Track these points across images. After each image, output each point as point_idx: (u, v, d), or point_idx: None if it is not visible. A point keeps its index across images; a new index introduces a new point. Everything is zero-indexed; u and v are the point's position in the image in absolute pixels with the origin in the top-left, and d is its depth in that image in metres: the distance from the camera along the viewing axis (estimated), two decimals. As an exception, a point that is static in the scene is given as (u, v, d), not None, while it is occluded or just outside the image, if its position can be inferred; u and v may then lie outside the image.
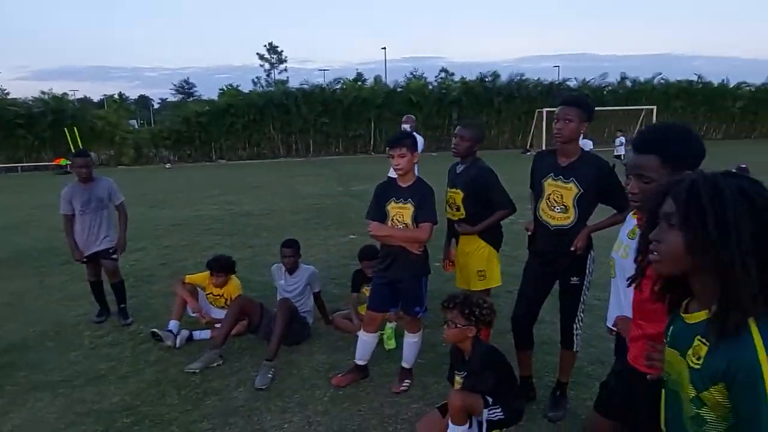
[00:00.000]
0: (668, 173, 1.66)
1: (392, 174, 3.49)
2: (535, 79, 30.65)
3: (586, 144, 18.52)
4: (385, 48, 39.76)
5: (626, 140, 18.07)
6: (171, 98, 76.44)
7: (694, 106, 32.97)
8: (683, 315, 1.21)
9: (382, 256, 3.44)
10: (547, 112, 25.51)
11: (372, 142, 29.00)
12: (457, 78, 31.34)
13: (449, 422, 2.63)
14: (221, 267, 4.46)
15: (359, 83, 30.80)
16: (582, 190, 2.90)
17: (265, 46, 64.62)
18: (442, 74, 31.68)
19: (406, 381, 3.57)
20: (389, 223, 3.37)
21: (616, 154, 18.18)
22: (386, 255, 3.40)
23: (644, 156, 1.71)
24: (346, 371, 3.68)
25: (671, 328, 1.27)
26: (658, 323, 1.76)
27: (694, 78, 33.02)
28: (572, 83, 31.43)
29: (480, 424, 2.64)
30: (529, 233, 3.17)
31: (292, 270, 4.49)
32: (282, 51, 63.39)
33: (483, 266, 3.55)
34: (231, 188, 14.71)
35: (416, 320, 3.50)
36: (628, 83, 32.25)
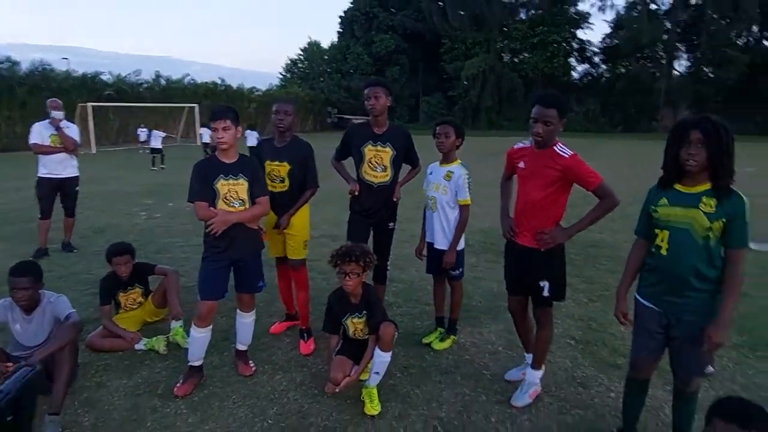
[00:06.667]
0: (558, 120, 2.71)
1: None
2: (63, 69, 27.29)
3: (251, 135, 18.31)
4: None
5: (150, 133, 17.65)
6: None
7: (221, 106, 37.18)
8: (681, 189, 2.22)
9: (217, 238, 3.18)
10: (92, 106, 23.44)
11: None
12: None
13: (380, 352, 2.98)
14: None
15: None
16: (396, 152, 3.67)
17: None
18: None
19: (250, 361, 3.47)
20: (220, 201, 3.17)
21: (151, 146, 17.71)
22: (222, 237, 3.18)
23: (549, 109, 2.69)
24: (185, 378, 3.22)
25: (663, 198, 2.26)
26: (540, 220, 2.83)
27: (219, 81, 37.27)
28: (106, 77, 29.65)
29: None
30: (356, 193, 3.69)
31: (30, 308, 3.08)
32: None
33: (307, 237, 3.78)
34: None
35: (253, 298, 3.44)
36: (163, 81, 33.16)
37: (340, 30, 53.23)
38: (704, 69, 42.07)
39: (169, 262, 5.57)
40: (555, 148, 2.78)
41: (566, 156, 2.74)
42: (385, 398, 3.07)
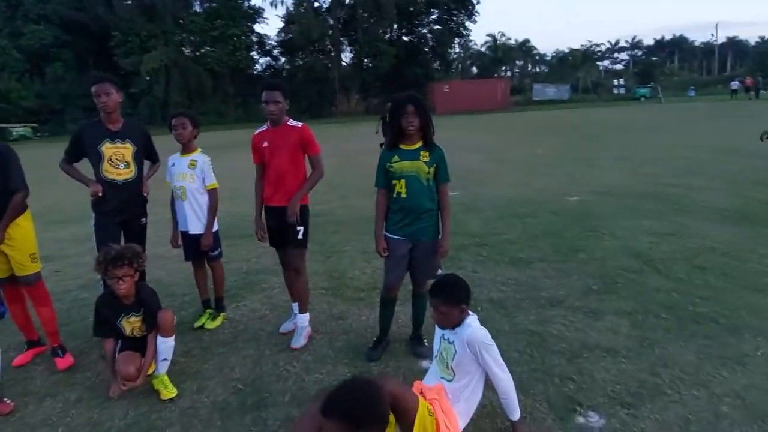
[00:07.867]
0: (284, 99, 3.31)
1: None
2: None
3: None
4: None
5: None
6: None
7: None
8: (405, 147, 3.01)
9: None
10: None
11: None
12: None
13: (164, 338, 3.07)
14: None
15: None
16: (136, 147, 3.64)
17: None
18: None
19: (5, 398, 3.07)
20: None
21: None
22: None
23: (275, 91, 3.28)
24: None
25: (395, 156, 3.02)
26: (289, 182, 3.44)
27: None
28: None
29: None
30: (100, 194, 3.50)
31: None
32: None
33: (35, 248, 3.43)
34: None
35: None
36: None
37: (-33, 18, 42.61)
38: (364, 60, 49.25)
39: None
40: (288, 123, 3.41)
41: (299, 126, 3.44)
42: (177, 381, 3.18)
